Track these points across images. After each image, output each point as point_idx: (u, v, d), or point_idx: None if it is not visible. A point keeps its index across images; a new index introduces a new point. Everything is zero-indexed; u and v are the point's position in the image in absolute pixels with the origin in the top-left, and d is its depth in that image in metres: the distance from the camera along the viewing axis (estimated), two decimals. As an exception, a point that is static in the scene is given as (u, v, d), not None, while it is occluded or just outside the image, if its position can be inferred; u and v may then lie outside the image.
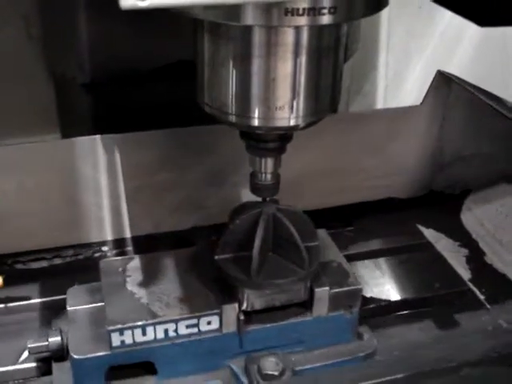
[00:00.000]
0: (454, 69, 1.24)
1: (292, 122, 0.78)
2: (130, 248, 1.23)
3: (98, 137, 1.15)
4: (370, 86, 1.44)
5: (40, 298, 1.09)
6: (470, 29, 1.20)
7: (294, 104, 0.76)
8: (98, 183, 1.18)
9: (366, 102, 1.48)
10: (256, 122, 0.78)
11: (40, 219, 1.17)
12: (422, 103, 1.28)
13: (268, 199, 0.91)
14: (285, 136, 0.85)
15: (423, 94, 1.29)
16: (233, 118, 0.79)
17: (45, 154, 1.13)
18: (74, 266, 1.18)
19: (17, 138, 1.19)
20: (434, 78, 1.26)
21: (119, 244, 1.23)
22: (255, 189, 0.89)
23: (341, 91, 0.84)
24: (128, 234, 1.24)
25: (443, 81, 1.27)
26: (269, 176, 0.87)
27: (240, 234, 0.91)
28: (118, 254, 1.20)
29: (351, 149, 1.30)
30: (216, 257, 0.92)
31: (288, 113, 0.76)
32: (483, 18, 0.75)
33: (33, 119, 1.27)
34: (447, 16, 1.26)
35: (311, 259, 0.91)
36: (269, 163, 0.86)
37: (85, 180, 1.17)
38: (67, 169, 1.15)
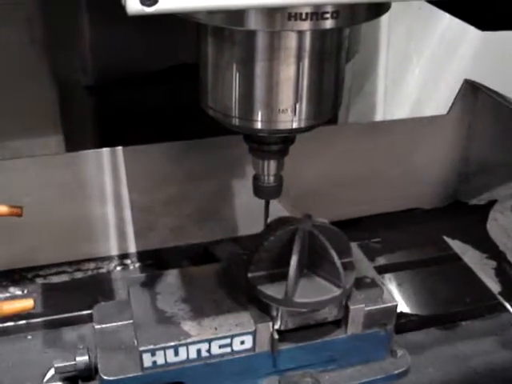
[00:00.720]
0: (453, 70, 1.23)
1: (295, 125, 0.78)
2: (150, 261, 1.21)
3: (120, 148, 1.12)
4: (370, 86, 1.43)
5: (64, 313, 1.06)
6: (471, 30, 1.18)
7: (297, 107, 0.76)
8: (119, 194, 1.16)
9: (366, 103, 1.47)
10: (259, 125, 0.78)
11: (60, 232, 1.14)
12: (448, 112, 1.26)
13: (303, 215, 0.89)
14: (287, 138, 0.85)
15: (423, 96, 1.28)
16: (236, 121, 0.79)
17: (62, 167, 1.11)
18: (96, 280, 1.15)
19: (20, 140, 1.18)
20: (462, 87, 1.24)
21: (139, 257, 1.21)
22: (258, 191, 0.89)
23: (342, 94, 0.84)
24: (147, 247, 1.21)
25: (470, 90, 1.26)
26: (272, 178, 0.87)
27: (274, 251, 0.88)
28: (139, 268, 1.18)
29: (375, 158, 1.28)
30: (249, 274, 0.89)
31: (291, 116, 0.77)
32: (484, 22, 0.75)
33: (36, 121, 1.26)
34: (447, 17, 1.25)
35: (347, 276, 0.89)
36: (272, 165, 0.87)
37: (105, 191, 1.15)
38: (86, 181, 1.13)
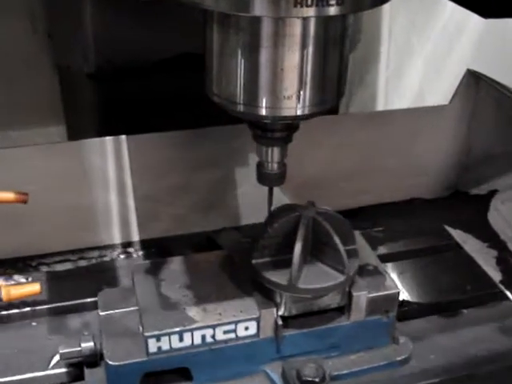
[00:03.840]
0: (455, 60, 1.23)
1: (299, 112, 0.79)
2: (153, 249, 1.21)
3: (123, 137, 1.13)
4: (371, 76, 1.44)
5: (69, 300, 1.07)
6: (472, 20, 1.19)
7: (301, 94, 0.77)
8: (123, 183, 1.16)
9: (367, 93, 1.48)
10: (264, 112, 0.79)
11: (64, 220, 1.15)
12: (450, 102, 1.27)
13: (307, 202, 0.90)
14: (291, 125, 0.86)
15: (425, 87, 1.28)
16: (241, 108, 0.80)
17: (66, 154, 1.12)
18: (99, 268, 1.16)
19: (23, 130, 1.18)
20: (464, 77, 1.24)
21: (143, 245, 1.21)
22: (261, 178, 0.90)
23: (346, 82, 0.85)
24: (152, 235, 1.22)
25: (472, 79, 1.26)
26: (275, 165, 0.88)
27: (278, 238, 0.89)
28: (144, 256, 1.18)
29: (377, 149, 1.28)
30: (253, 260, 0.90)
31: (295, 102, 0.77)
32: (486, 10, 0.75)
33: (38, 111, 1.27)
34: (449, 7, 1.25)
35: (350, 263, 0.90)
36: (275, 152, 0.87)
37: (109, 179, 1.15)
38: (91, 169, 1.14)
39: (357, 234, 1.04)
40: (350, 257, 0.90)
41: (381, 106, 1.53)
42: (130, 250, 1.20)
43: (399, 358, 0.97)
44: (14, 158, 1.08)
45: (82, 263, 1.17)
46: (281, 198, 1.15)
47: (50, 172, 1.11)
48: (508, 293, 1.13)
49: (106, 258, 1.18)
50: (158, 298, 0.91)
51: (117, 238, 1.21)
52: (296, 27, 0.73)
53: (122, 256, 1.19)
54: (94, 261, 1.17)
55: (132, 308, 0.93)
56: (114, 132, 1.13)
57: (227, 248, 1.03)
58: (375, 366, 0.96)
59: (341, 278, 0.88)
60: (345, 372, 0.94)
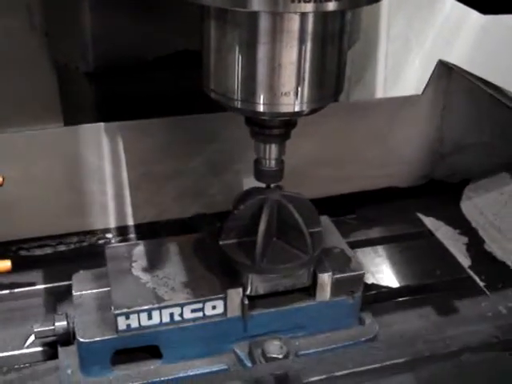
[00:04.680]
0: (454, 58, 1.25)
1: (297, 108, 0.79)
2: (133, 235, 1.24)
3: (102, 124, 1.15)
4: (370, 75, 1.45)
5: (45, 283, 1.10)
6: (471, 18, 1.20)
7: (299, 90, 0.77)
8: (102, 170, 1.19)
9: (366, 91, 1.49)
10: (261, 108, 0.79)
11: (44, 206, 1.17)
12: (422, 93, 1.29)
13: (272, 185, 0.92)
14: (289, 122, 0.86)
15: (423, 84, 1.30)
16: (238, 104, 0.79)
17: (49, 142, 1.14)
18: (79, 253, 1.19)
19: (20, 127, 1.20)
20: (435, 68, 1.27)
21: (123, 231, 1.24)
22: (259, 175, 0.90)
23: (344, 78, 0.85)
24: (132, 222, 1.25)
25: (444, 71, 1.28)
26: (273, 162, 0.88)
27: (244, 220, 0.92)
28: (121, 241, 1.21)
29: (352, 138, 1.31)
30: (220, 242, 0.93)
31: (293, 99, 0.77)
32: (485, 6, 0.76)
33: (36, 108, 1.28)
34: (448, 5, 1.27)
35: (315, 245, 0.92)
36: (273, 149, 0.87)
37: (88, 167, 1.18)
38: (71, 156, 1.16)
39: (326, 219, 1.07)
40: (314, 239, 0.93)
41: None
42: (109, 235, 1.22)
43: (364, 339, 0.99)
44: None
45: (62, 248, 1.19)
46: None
47: (36, 157, 1.14)
48: (476, 278, 1.15)
49: (85, 244, 1.20)
50: (129, 278, 0.94)
51: (112, 223, 1.23)
52: (293, 23, 0.73)
53: (100, 241, 1.21)
54: (72, 246, 1.19)
55: (104, 289, 0.96)
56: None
57: (200, 231, 1.05)
58: (340, 346, 0.98)
59: (304, 258, 0.91)
60: (310, 351, 0.97)
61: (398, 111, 1.31)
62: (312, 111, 0.81)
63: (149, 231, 1.24)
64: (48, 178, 1.16)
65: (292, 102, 0.78)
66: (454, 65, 1.24)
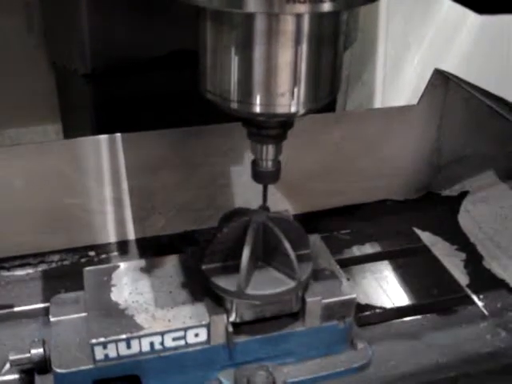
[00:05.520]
0: (451, 59, 1.21)
1: (293, 109, 0.78)
2: (116, 253, 1.20)
3: (84, 139, 1.11)
4: (368, 74, 1.42)
5: (24, 305, 1.06)
6: (469, 18, 1.17)
7: (295, 90, 0.76)
8: (85, 186, 1.15)
9: (364, 91, 1.46)
10: (257, 109, 0.78)
11: (25, 223, 1.13)
12: (418, 103, 1.25)
13: (259, 207, 0.89)
14: (286, 123, 0.84)
15: (422, 85, 1.26)
16: (234, 105, 0.78)
17: (31, 156, 1.10)
18: (60, 272, 1.15)
19: (18, 128, 1.18)
20: (432, 77, 1.23)
21: (107, 249, 1.20)
22: (256, 176, 0.88)
23: (341, 79, 0.84)
24: (116, 239, 1.21)
25: (440, 79, 1.24)
26: (270, 163, 0.87)
27: (228, 243, 0.88)
28: (105, 259, 1.17)
29: (346, 149, 1.27)
30: (203, 266, 0.88)
31: (289, 99, 0.76)
32: (482, 6, 0.73)
33: (34, 110, 1.26)
34: (446, 5, 1.24)
35: (302, 269, 0.88)
36: (270, 150, 0.86)
37: (71, 182, 1.14)
38: (54, 171, 1.12)
39: (316, 237, 1.03)
40: (302, 262, 0.89)
41: (378, 104, 1.51)
42: (92, 253, 1.18)
43: (357, 365, 0.95)
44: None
45: (43, 267, 1.15)
46: (248, 197, 1.13)
47: (18, 172, 1.10)
48: (474, 297, 1.11)
49: (67, 263, 1.16)
50: (107, 304, 0.90)
51: (112, 238, 1.20)
52: (289, 24, 0.72)
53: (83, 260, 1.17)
54: (54, 265, 1.15)
55: (82, 314, 0.92)
56: (110, 131, 1.12)
57: (184, 252, 1.01)
58: (332, 373, 0.94)
59: (291, 283, 0.86)
60: (300, 379, 0.93)
61: (394, 122, 1.27)
62: (308, 112, 0.80)
63: (136, 248, 1.20)
64: (29, 193, 1.12)
65: (288, 102, 0.77)
66: (451, 73, 1.20)
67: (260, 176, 0.88)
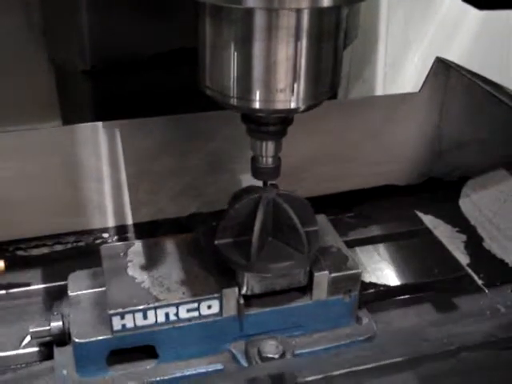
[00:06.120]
0: (453, 55, 1.24)
1: (293, 105, 0.78)
2: (130, 234, 1.24)
3: (99, 123, 1.15)
4: (369, 72, 1.44)
5: (41, 283, 1.10)
6: (470, 15, 1.20)
7: (295, 86, 0.77)
8: (100, 169, 1.18)
9: (365, 88, 1.48)
10: (257, 105, 0.78)
11: (41, 206, 1.17)
12: (420, 90, 1.28)
13: (268, 184, 0.92)
14: (285, 119, 0.85)
15: (422, 81, 1.29)
16: (234, 101, 0.79)
17: (46, 141, 1.14)
18: (75, 253, 1.18)
19: (18, 126, 1.19)
20: (433, 65, 1.26)
21: (120, 230, 1.24)
22: (256, 172, 0.90)
23: (340, 75, 0.84)
24: (129, 221, 1.24)
25: (442, 68, 1.28)
26: (270, 159, 0.88)
27: (240, 219, 0.91)
28: (118, 241, 1.21)
29: (350, 135, 1.30)
30: (216, 241, 0.92)
31: (289, 95, 0.77)
32: (482, 1, 0.76)
33: (34, 107, 1.28)
34: (446, 2, 1.26)
35: (310, 244, 0.92)
36: (270, 147, 0.87)
37: (85, 166, 1.17)
38: (68, 155, 1.16)
39: (323, 217, 1.06)
40: (310, 238, 0.92)
41: None
42: (105, 235, 1.22)
43: (361, 338, 0.99)
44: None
45: (58, 248, 1.18)
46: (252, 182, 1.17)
47: (33, 157, 1.13)
48: (474, 276, 1.15)
49: (81, 244, 1.19)
50: (124, 278, 0.94)
51: (110, 222, 1.23)
52: (288, 19, 0.73)
53: (98, 241, 1.21)
54: (69, 245, 1.19)
55: (100, 289, 0.96)
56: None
57: (196, 231, 1.05)
58: (338, 345, 0.98)
59: (300, 257, 0.90)
60: (307, 350, 0.96)
61: (396, 109, 1.31)
62: (308, 108, 0.81)
63: (146, 230, 1.23)
64: (45, 176, 1.15)
65: (288, 98, 0.77)
66: (452, 62, 1.24)
67: (260, 172, 0.89)
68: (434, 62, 1.26)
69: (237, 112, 0.83)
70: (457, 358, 1.00)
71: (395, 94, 1.32)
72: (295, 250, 0.91)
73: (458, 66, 1.24)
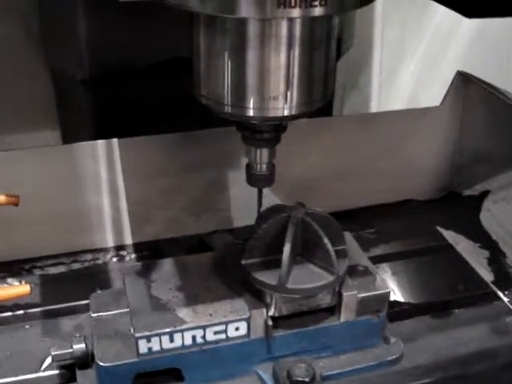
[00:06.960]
0: (448, 63, 1.23)
1: (286, 112, 0.79)
2: (147, 252, 1.22)
3: (114, 140, 1.13)
4: (364, 80, 1.44)
5: (61, 303, 1.07)
6: (464, 21, 1.19)
7: (288, 94, 0.77)
8: (115, 186, 1.17)
9: (360, 97, 1.48)
10: (251, 112, 0.79)
11: (57, 224, 1.15)
12: (441, 103, 1.27)
13: (296, 203, 0.91)
14: (279, 126, 0.86)
15: (417, 89, 1.29)
16: (228, 109, 0.80)
17: (59, 157, 1.12)
18: (92, 271, 1.16)
19: (17, 135, 1.18)
20: (454, 78, 1.25)
21: (137, 248, 1.22)
22: (251, 179, 0.90)
23: (334, 82, 0.85)
24: (148, 238, 1.22)
25: (463, 81, 1.27)
26: (264, 166, 0.89)
27: (268, 239, 0.90)
28: (136, 258, 1.19)
29: (370, 150, 1.29)
30: (243, 261, 0.90)
31: (282, 103, 0.78)
32: (470, 10, 0.76)
33: (32, 116, 1.27)
34: (441, 11, 1.26)
35: (340, 263, 0.90)
36: (264, 154, 0.88)
37: (101, 182, 1.16)
38: (82, 173, 1.14)
39: (347, 235, 1.04)
40: (339, 257, 0.90)
41: (374, 109, 1.54)
42: (123, 253, 1.20)
43: (390, 358, 0.97)
44: (6, 161, 1.08)
45: (76, 266, 1.17)
46: (273, 199, 1.15)
47: (42, 175, 1.11)
48: (499, 293, 1.13)
49: (99, 261, 1.17)
50: (149, 299, 0.92)
51: (110, 242, 1.21)
52: (280, 28, 0.74)
53: (114, 259, 1.19)
54: (87, 264, 1.17)
55: (123, 310, 0.94)
56: (108, 136, 1.13)
57: (218, 249, 1.03)
58: (366, 366, 0.96)
59: (330, 278, 0.88)
60: (336, 372, 0.94)
61: (416, 122, 1.29)
62: (301, 115, 0.81)
63: (163, 248, 1.22)
64: (59, 194, 1.14)
65: (281, 106, 0.78)
66: (473, 75, 1.23)
67: (254, 179, 0.90)
68: (455, 75, 1.25)
69: (231, 119, 0.83)
70: (486, 379, 0.99)
71: (415, 108, 1.30)
72: (324, 270, 0.89)
73: (479, 79, 1.23)
